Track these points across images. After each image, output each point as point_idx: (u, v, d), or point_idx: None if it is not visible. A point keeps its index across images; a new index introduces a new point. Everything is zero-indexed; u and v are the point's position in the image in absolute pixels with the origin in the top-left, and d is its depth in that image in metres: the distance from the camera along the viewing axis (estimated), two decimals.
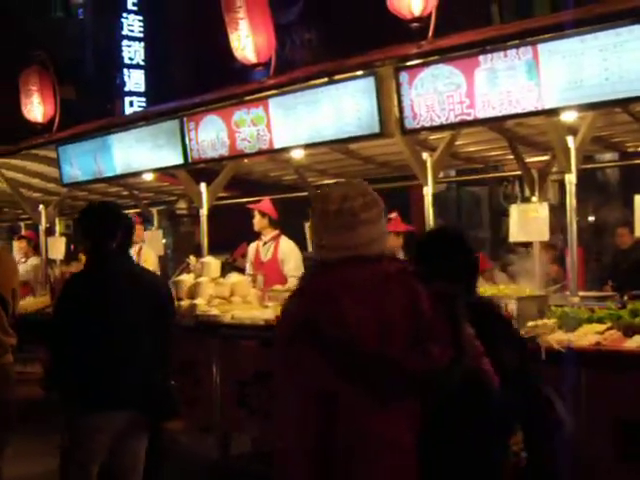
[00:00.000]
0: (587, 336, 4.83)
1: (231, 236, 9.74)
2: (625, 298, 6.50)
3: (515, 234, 7.41)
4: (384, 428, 2.69)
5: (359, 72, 6.41)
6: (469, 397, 2.86)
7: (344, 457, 2.68)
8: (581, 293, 6.35)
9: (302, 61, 16.44)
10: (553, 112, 5.58)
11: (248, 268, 8.51)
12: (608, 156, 11.50)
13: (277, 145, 7.17)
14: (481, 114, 5.74)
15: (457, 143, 7.38)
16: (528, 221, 7.27)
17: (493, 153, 8.58)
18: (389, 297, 2.72)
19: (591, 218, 14.25)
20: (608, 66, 5.12)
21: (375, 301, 2.71)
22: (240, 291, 7.55)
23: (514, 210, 7.44)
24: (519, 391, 3.08)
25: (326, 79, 6.65)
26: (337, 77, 6.58)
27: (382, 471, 2.70)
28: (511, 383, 2.99)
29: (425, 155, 6.67)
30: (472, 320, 2.86)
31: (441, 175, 11.41)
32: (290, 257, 8.21)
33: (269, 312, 6.66)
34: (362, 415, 2.69)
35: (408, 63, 6.06)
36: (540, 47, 5.37)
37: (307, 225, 8.70)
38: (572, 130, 6.22)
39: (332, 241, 2.84)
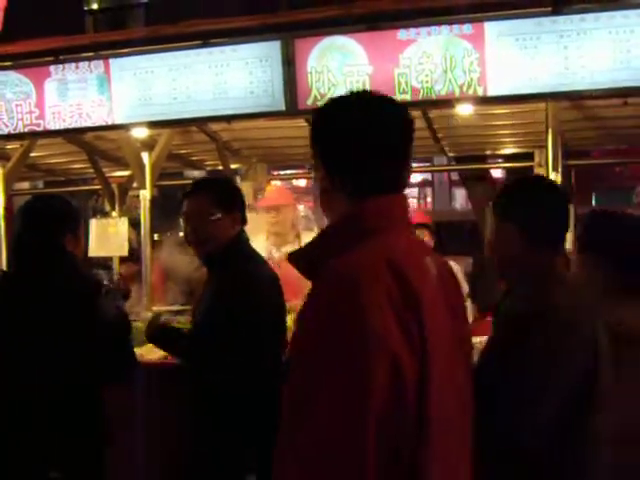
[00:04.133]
0: (155, 351, 4.84)
1: None
2: None
3: (95, 249, 7.28)
4: None
5: None
6: None
7: None
8: (156, 308, 6.38)
9: None
10: (124, 127, 5.57)
11: None
12: (196, 173, 11.83)
13: None
14: (51, 125, 5.54)
15: (35, 154, 7.07)
16: (108, 236, 7.19)
17: (76, 166, 8.35)
18: None
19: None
20: (177, 86, 5.24)
21: None
22: None
23: (93, 225, 7.31)
24: None
25: None
26: None
27: None
28: None
29: None
30: None
31: (27, 186, 10.96)
32: None
33: None
34: None
35: None
36: (112, 62, 5.34)
37: None
38: (148, 146, 6.27)
39: None
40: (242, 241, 3.46)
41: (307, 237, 5.82)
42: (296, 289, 4.96)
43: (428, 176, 17.05)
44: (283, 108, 5.04)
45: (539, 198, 2.48)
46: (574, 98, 5.03)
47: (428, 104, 5.03)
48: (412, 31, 4.76)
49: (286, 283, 5.25)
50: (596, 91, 4.64)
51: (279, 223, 5.60)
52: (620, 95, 4.99)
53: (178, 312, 6.84)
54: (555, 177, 5.43)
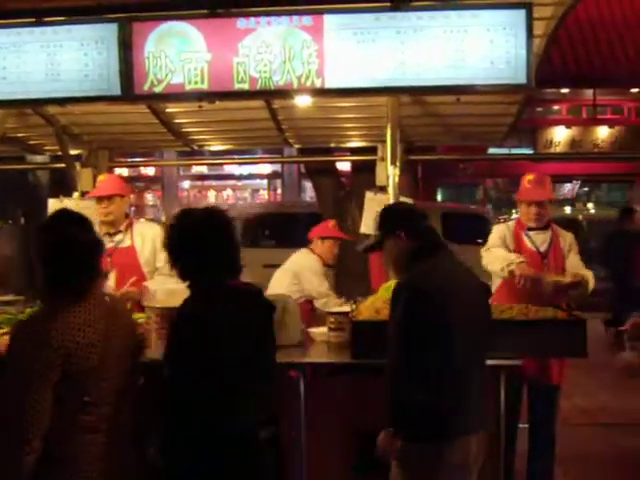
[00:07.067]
0: None
1: None
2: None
3: None
4: None
5: None
6: None
7: None
8: None
9: None
10: None
11: None
12: (39, 158, 11.38)
13: None
14: None
15: None
16: None
17: None
18: None
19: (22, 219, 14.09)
20: (7, 65, 5.01)
21: None
22: None
23: None
24: None
25: None
26: None
27: None
28: None
29: None
30: None
31: None
32: None
33: None
34: None
35: None
36: None
37: None
38: None
39: None
40: None
41: (142, 227, 5.69)
42: (125, 281, 4.91)
43: (278, 168, 17.12)
44: (119, 93, 4.90)
45: None
46: (409, 93, 5.15)
47: (266, 94, 5.02)
48: (252, 20, 4.74)
49: (119, 271, 5.18)
50: (430, 88, 4.77)
51: (111, 213, 5.46)
52: (453, 92, 5.13)
53: (8, 302, 6.58)
54: (393, 171, 5.54)
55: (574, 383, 7.44)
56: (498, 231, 5.34)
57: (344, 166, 11.33)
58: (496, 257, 5.10)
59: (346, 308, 5.04)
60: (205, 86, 4.81)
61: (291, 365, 4.66)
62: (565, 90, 18.96)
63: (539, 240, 5.24)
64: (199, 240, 3.06)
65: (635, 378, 4.61)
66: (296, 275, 6.36)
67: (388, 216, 3.52)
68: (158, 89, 4.84)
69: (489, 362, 4.33)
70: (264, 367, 3.17)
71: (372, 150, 7.11)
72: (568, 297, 5.19)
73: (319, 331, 5.14)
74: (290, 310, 4.98)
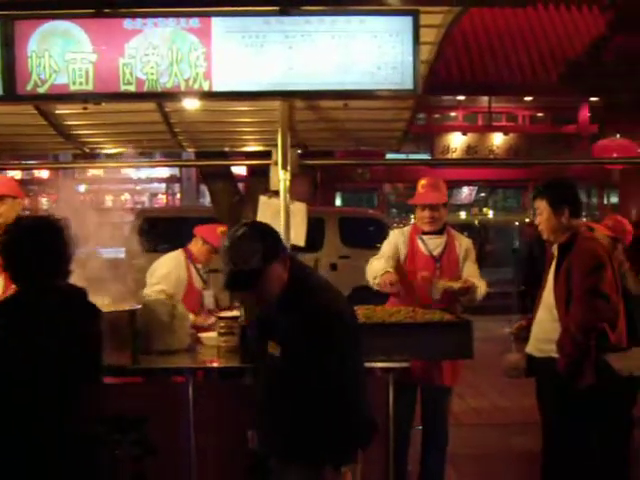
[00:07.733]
0: None
1: None
2: None
3: None
4: None
5: None
6: None
7: None
8: None
9: None
10: None
11: None
12: None
13: None
14: None
15: None
16: None
17: None
18: None
19: None
20: None
21: None
22: None
23: None
24: None
25: None
26: None
27: None
28: None
29: None
30: None
31: None
32: None
33: None
34: None
35: None
36: None
37: None
38: None
39: None
40: None
41: None
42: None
43: (176, 172, 16.93)
44: (1, 92, 4.75)
45: None
46: (297, 97, 5.15)
47: (153, 97, 4.96)
48: (138, 21, 4.66)
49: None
50: (318, 92, 4.79)
51: (1, 215, 5.28)
52: (341, 97, 5.16)
53: None
54: (284, 176, 5.54)
55: (467, 384, 7.61)
56: (391, 238, 5.42)
57: (242, 170, 11.29)
58: (370, 271, 5.22)
59: (236, 313, 5.02)
60: (90, 87, 4.71)
61: (179, 370, 4.63)
62: (461, 97, 19.43)
63: (433, 244, 5.32)
64: (24, 246, 3.24)
65: (516, 378, 4.72)
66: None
67: (267, 241, 3.10)
68: (42, 89, 4.71)
69: (378, 365, 4.44)
70: (86, 366, 3.26)
71: (268, 154, 7.08)
72: (459, 302, 5.32)
73: (209, 335, 5.11)
74: (178, 314, 4.93)
